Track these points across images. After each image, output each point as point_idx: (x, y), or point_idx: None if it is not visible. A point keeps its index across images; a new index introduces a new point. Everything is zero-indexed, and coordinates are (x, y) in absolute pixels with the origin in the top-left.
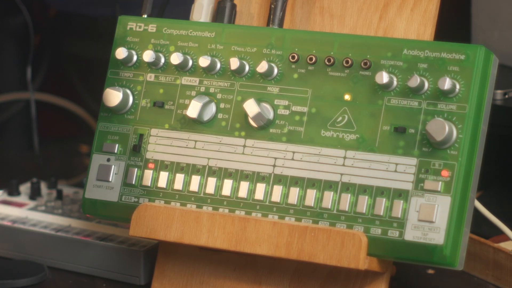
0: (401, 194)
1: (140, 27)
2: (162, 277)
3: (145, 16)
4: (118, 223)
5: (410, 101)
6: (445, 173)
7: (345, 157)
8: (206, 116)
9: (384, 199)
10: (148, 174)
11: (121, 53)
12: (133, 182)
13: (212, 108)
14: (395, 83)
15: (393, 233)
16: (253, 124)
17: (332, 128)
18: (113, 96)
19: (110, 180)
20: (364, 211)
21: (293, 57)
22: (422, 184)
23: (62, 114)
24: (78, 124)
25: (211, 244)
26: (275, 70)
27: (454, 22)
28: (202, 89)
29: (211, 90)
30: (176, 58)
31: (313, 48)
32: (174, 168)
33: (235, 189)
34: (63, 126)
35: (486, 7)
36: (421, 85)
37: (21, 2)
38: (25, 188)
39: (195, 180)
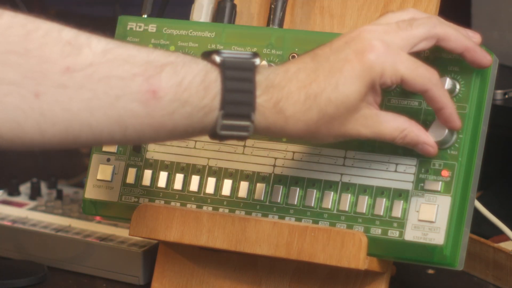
0: (401, 194)
1: (140, 27)
2: (162, 277)
3: (145, 16)
4: (118, 223)
5: (410, 101)
6: (445, 173)
7: (345, 157)
8: None
9: (384, 199)
10: (148, 174)
11: None
12: (133, 182)
13: None
14: None
15: (393, 233)
16: None
17: None
18: None
19: (110, 180)
20: (364, 211)
21: (293, 57)
22: (422, 184)
23: None
24: None
25: (211, 244)
26: None
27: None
28: None
29: None
30: None
31: (313, 48)
32: (174, 168)
33: (235, 189)
34: None
35: (486, 7)
36: None
37: (21, 2)
38: (25, 188)
39: (195, 180)
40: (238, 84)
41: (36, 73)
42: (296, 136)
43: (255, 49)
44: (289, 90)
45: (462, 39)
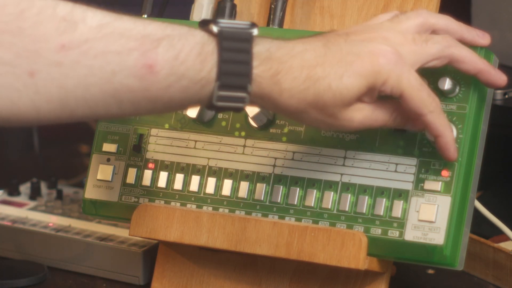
0: (401, 194)
1: None
2: (162, 277)
3: (145, 16)
4: (118, 223)
5: None
6: (445, 173)
7: (345, 157)
8: (206, 116)
9: (384, 199)
10: (148, 174)
11: None
12: (133, 182)
13: None
14: None
15: (393, 233)
16: (253, 124)
17: None
18: None
19: (110, 180)
20: (364, 211)
21: None
22: (422, 184)
23: None
24: (78, 124)
25: (211, 244)
26: None
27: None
28: None
29: None
30: None
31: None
32: (174, 168)
33: (235, 189)
34: (63, 126)
35: (486, 7)
36: None
37: None
38: (25, 188)
39: (195, 180)
40: (234, 55)
41: (31, 52)
42: (286, 111)
43: None
44: (291, 65)
45: (476, 60)
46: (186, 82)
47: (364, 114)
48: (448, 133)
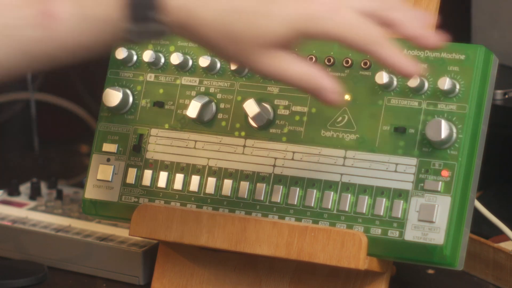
0: (401, 194)
1: None
2: (162, 277)
3: None
4: (118, 223)
5: (410, 101)
6: (445, 173)
7: (345, 157)
8: (206, 116)
9: (384, 199)
10: (148, 174)
11: (121, 53)
12: (133, 182)
13: (212, 108)
14: (395, 83)
15: (393, 233)
16: (253, 124)
17: (332, 128)
18: (113, 96)
19: (110, 180)
20: (364, 211)
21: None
22: (422, 184)
23: (62, 114)
24: (78, 124)
25: (211, 244)
26: None
27: (454, 22)
28: (202, 89)
29: (211, 90)
30: (176, 58)
31: (313, 48)
32: (174, 168)
33: (235, 189)
34: (63, 126)
35: (486, 7)
36: (421, 85)
37: None
38: (25, 188)
39: (195, 180)
40: None
41: None
42: (205, 44)
43: None
44: None
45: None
46: (94, 22)
47: (279, 64)
48: (395, 52)
